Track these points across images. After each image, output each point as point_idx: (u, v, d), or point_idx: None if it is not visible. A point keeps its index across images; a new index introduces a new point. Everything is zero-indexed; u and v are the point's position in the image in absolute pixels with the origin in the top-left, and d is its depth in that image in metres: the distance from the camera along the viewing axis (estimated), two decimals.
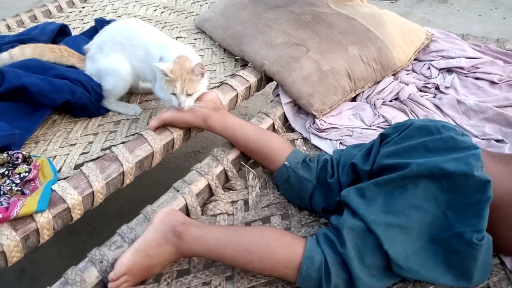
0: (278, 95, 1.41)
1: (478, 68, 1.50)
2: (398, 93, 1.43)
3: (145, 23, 1.27)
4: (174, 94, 1.08)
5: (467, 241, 0.76)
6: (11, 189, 0.90)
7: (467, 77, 1.48)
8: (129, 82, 1.22)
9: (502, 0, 3.38)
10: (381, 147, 0.93)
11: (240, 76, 1.43)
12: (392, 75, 1.52)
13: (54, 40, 1.51)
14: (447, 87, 1.44)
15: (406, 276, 0.82)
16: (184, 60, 1.08)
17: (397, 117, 1.32)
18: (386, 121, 1.32)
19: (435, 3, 3.44)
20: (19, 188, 0.91)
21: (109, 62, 1.20)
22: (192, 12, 2.01)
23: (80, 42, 1.30)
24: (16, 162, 0.96)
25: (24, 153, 0.98)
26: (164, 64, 1.06)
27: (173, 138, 1.15)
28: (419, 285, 0.84)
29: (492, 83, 1.44)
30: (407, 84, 1.47)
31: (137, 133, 1.15)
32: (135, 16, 1.91)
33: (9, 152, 0.97)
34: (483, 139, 1.22)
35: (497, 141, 1.20)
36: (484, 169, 0.79)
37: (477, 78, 1.47)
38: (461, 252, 0.78)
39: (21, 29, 1.72)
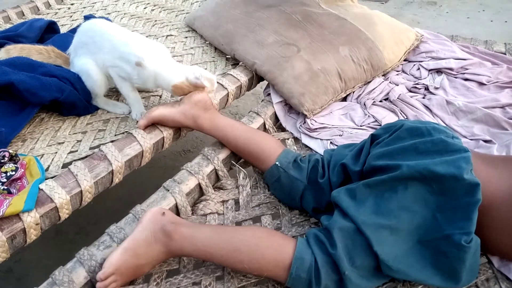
0: (269, 94, 1.41)
1: (467, 69, 1.51)
2: (388, 93, 1.44)
3: (110, 22, 1.25)
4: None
5: (456, 243, 0.77)
6: None
7: (456, 78, 1.50)
8: (103, 82, 1.21)
9: (489, 3, 3.43)
10: (371, 148, 0.93)
11: (231, 75, 1.42)
12: (382, 75, 1.53)
13: (42, 37, 1.49)
14: (436, 88, 1.45)
15: (395, 276, 0.82)
16: (184, 88, 1.13)
17: (387, 117, 1.33)
18: (376, 121, 1.33)
19: (425, 4, 3.47)
20: (5, 187, 0.89)
21: (80, 65, 1.20)
22: (183, 10, 1.99)
23: (68, 40, 1.28)
24: (2, 161, 0.95)
25: (11, 151, 0.97)
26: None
27: (163, 137, 1.14)
28: (408, 285, 0.85)
29: (481, 84, 1.45)
30: (397, 85, 1.48)
31: (126, 131, 1.14)
32: (124, 14, 1.90)
33: None
34: (471, 140, 1.23)
35: (485, 141, 1.21)
36: (473, 172, 0.80)
37: (466, 79, 1.48)
38: (450, 254, 0.78)
39: (8, 25, 1.69)
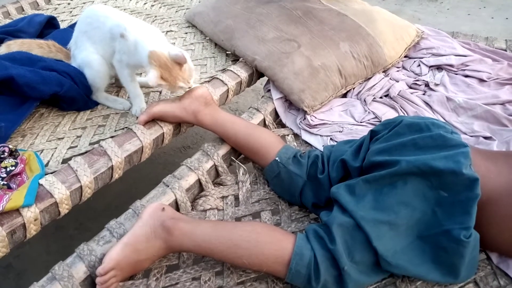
0: (269, 90, 1.41)
1: (467, 65, 1.51)
2: (388, 89, 1.44)
3: (109, 7, 1.23)
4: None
5: (455, 238, 0.77)
6: None
7: (456, 74, 1.50)
8: (106, 73, 1.20)
9: (490, 0, 3.42)
10: (371, 143, 0.93)
11: (231, 71, 1.42)
12: (383, 71, 1.52)
13: (42, 32, 1.49)
14: (436, 84, 1.45)
15: (395, 272, 0.83)
16: (161, 58, 1.05)
17: (387, 114, 1.33)
18: (376, 117, 1.33)
19: (425, 1, 3.46)
20: (5, 182, 0.89)
21: (83, 56, 1.19)
22: (183, 5, 1.99)
23: (68, 36, 1.28)
24: (2, 156, 0.95)
25: (10, 146, 0.97)
26: (151, 78, 1.03)
27: (163, 132, 1.14)
28: (407, 280, 0.85)
29: (481, 80, 1.45)
30: (397, 81, 1.48)
31: (126, 127, 1.14)
32: (124, 10, 1.89)
33: None
34: (471, 136, 1.23)
35: (485, 138, 1.21)
36: (473, 167, 0.80)
37: (466, 76, 1.48)
38: (449, 249, 0.78)
39: (8, 21, 1.68)
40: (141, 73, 1.35)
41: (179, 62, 1.06)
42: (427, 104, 1.37)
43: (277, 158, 1.05)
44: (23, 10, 1.82)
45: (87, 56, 1.18)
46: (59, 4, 1.93)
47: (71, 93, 1.15)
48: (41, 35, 1.47)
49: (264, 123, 1.30)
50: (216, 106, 1.19)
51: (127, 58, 1.12)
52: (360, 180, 0.86)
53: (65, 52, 1.28)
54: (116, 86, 1.34)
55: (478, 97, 1.36)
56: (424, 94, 1.43)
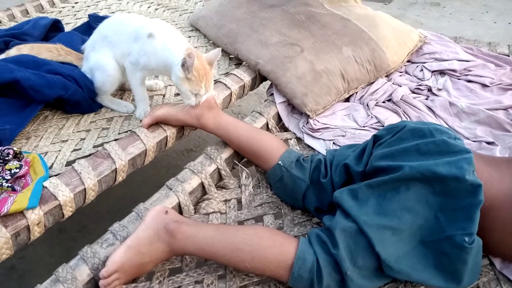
0: (272, 94, 1.41)
1: (470, 70, 1.51)
2: (391, 94, 1.44)
3: (133, 13, 1.25)
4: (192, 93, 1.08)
5: (458, 244, 0.77)
6: (1, 185, 0.89)
7: (459, 79, 1.50)
8: (117, 78, 1.21)
9: (493, 5, 3.42)
10: (374, 148, 0.93)
11: (234, 74, 1.43)
12: (385, 76, 1.53)
13: (47, 35, 1.50)
14: (439, 89, 1.45)
15: (397, 277, 0.83)
16: (197, 52, 1.05)
17: (390, 118, 1.33)
18: (379, 122, 1.33)
19: (428, 5, 3.47)
20: (9, 184, 0.89)
21: (97, 59, 1.20)
22: (187, 9, 2.00)
23: (73, 38, 1.29)
24: (6, 158, 0.95)
25: (15, 149, 0.97)
26: (190, 60, 1.01)
27: (166, 136, 1.15)
28: (410, 285, 0.85)
29: (484, 86, 1.45)
30: (400, 86, 1.48)
31: (130, 130, 1.15)
32: (128, 13, 1.90)
33: (0, 148, 0.96)
34: (474, 141, 1.23)
35: (488, 143, 1.21)
36: (476, 173, 0.80)
37: (469, 81, 1.49)
38: (452, 255, 0.78)
39: (13, 23, 1.70)
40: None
41: (211, 62, 1.09)
42: (429, 109, 1.37)
43: (280, 162, 1.05)
44: (28, 13, 1.83)
45: (102, 59, 1.18)
46: (63, 7, 1.94)
47: (75, 97, 1.16)
48: (46, 38, 1.48)
49: (267, 127, 1.30)
50: (219, 109, 1.19)
51: (146, 60, 1.12)
52: (363, 185, 0.86)
53: (75, 54, 1.28)
54: (119, 89, 1.34)
55: (481, 102, 1.36)
56: (426, 99, 1.43)
